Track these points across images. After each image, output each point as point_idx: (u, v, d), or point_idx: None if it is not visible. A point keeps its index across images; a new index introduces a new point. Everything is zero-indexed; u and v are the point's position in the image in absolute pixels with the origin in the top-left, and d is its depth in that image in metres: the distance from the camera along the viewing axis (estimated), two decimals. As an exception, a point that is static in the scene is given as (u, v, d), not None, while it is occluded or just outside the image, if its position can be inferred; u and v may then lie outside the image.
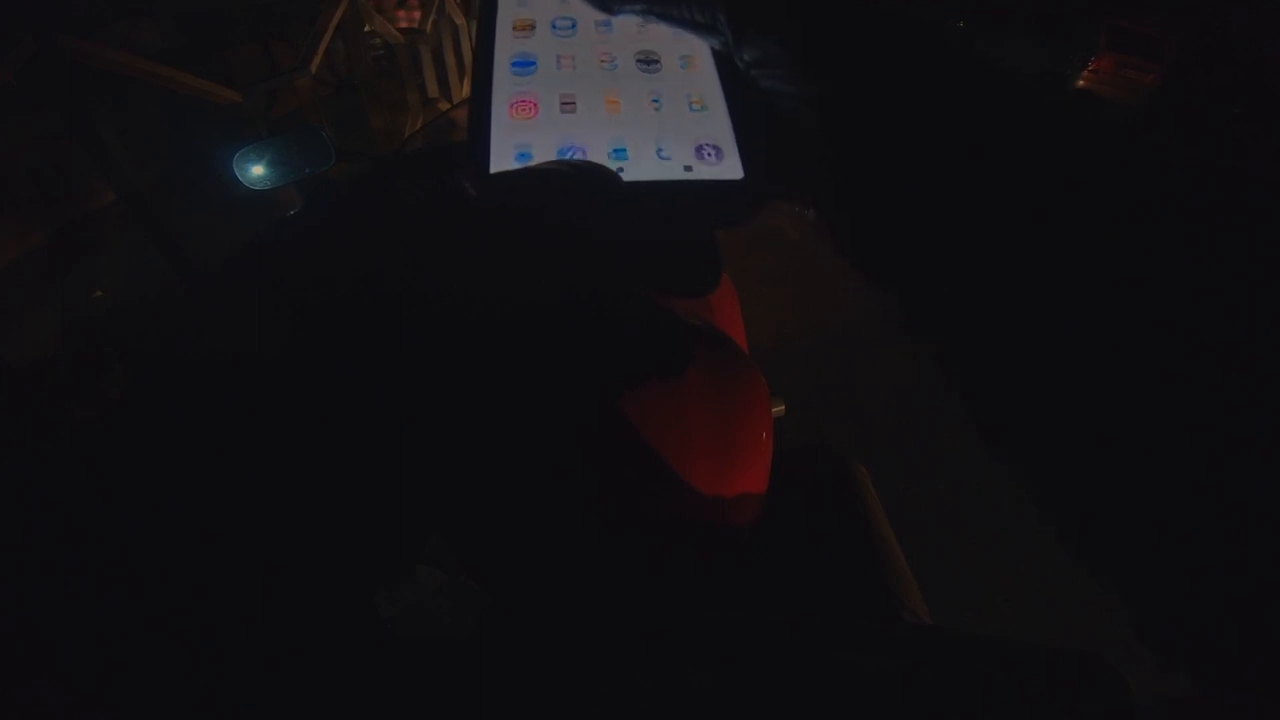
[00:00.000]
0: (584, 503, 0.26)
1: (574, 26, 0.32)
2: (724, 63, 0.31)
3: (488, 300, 0.21)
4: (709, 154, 0.28)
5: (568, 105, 0.29)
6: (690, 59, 0.31)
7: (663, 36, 0.32)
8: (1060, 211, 0.18)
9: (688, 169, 0.28)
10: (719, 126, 0.29)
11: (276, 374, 0.17)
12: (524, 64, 0.31)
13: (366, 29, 2.80)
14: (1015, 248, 0.18)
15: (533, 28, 0.32)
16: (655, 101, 0.30)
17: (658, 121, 0.29)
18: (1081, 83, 6.61)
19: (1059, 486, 0.18)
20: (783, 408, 0.74)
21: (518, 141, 0.28)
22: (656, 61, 0.31)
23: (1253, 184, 0.17)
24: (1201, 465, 0.16)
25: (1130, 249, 0.17)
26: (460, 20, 3.69)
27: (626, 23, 0.32)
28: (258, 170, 1.13)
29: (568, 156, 0.27)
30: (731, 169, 0.28)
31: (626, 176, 0.27)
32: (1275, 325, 0.15)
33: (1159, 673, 0.17)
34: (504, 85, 0.30)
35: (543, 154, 0.27)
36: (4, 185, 2.13)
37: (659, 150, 0.28)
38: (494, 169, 0.27)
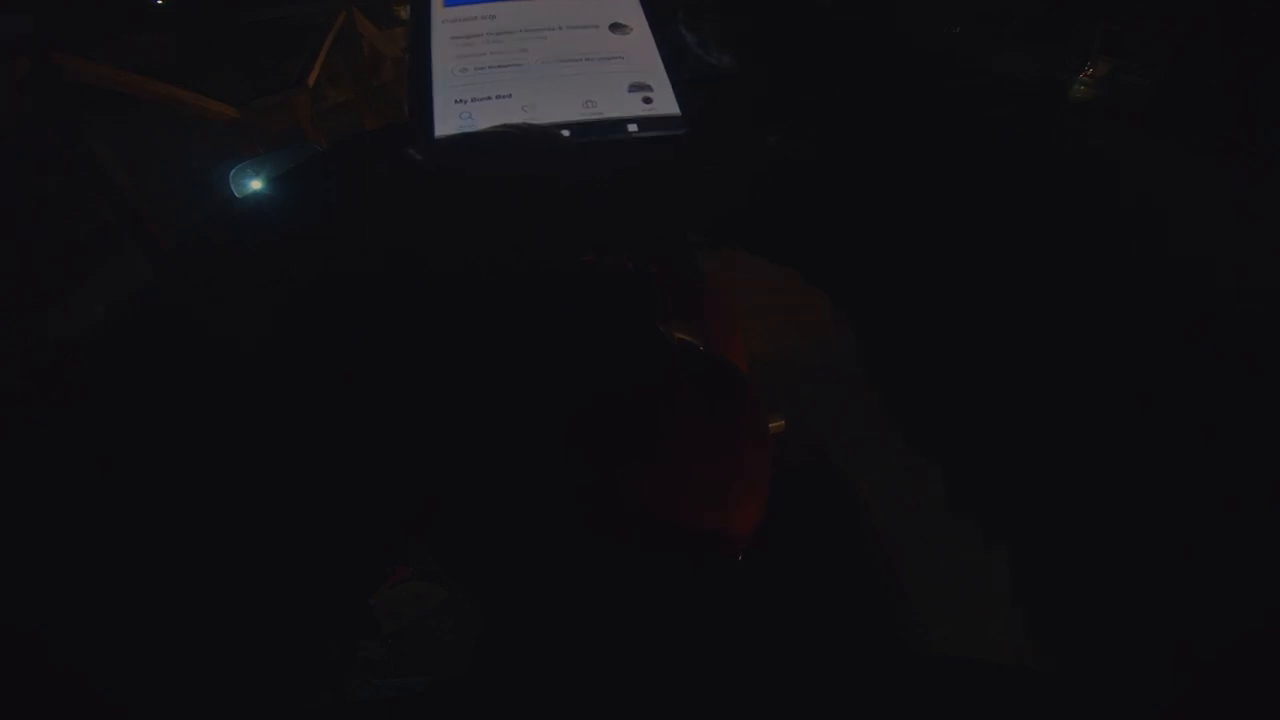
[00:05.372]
0: (575, 497, 0.26)
1: None
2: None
3: (466, 281, 0.21)
4: (643, 98, 0.27)
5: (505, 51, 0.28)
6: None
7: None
8: (1052, 218, 0.18)
9: (627, 118, 0.27)
10: (648, 64, 0.28)
11: (259, 365, 0.17)
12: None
13: (363, 43, 2.82)
14: (1006, 256, 0.18)
15: None
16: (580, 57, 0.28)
17: (588, 69, 0.28)
18: (1077, 88, 6.63)
19: (1061, 498, 0.18)
20: (782, 423, 0.73)
21: (460, 102, 0.26)
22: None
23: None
24: (1201, 465, 0.15)
25: (1123, 257, 0.17)
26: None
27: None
28: (255, 185, 1.13)
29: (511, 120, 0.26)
30: (666, 105, 0.27)
31: (567, 131, 0.26)
32: (1274, 324, 0.15)
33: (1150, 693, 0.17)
34: (442, 27, 0.28)
35: (485, 114, 0.26)
36: (9, 202, 2.15)
37: (591, 100, 0.27)
38: (439, 133, 0.26)
